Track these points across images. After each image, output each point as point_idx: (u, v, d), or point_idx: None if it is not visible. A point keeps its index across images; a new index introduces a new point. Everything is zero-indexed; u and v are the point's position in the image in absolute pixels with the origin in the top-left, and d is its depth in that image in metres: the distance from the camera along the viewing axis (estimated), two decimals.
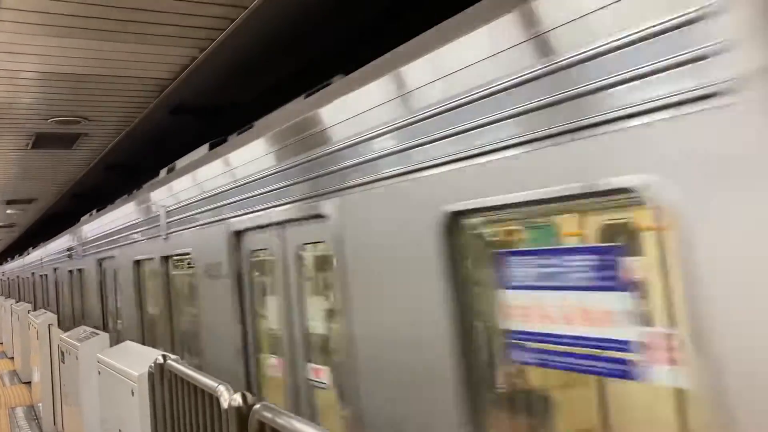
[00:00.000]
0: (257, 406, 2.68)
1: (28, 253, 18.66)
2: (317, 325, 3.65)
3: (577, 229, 2.13)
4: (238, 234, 4.32)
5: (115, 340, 6.99)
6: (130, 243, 6.94)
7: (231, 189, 4.36)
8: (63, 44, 4.78)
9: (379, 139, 2.80)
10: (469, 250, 2.45)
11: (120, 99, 6.37)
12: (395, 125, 2.69)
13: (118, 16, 4.36)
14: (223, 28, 4.65)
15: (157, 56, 5.21)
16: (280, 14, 4.49)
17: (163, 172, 6.40)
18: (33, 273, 17.09)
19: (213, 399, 3.08)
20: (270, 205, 3.82)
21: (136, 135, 7.92)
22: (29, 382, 11.95)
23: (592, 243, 2.05)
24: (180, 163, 5.91)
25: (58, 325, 9.65)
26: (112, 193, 9.77)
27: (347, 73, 3.29)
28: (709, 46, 1.49)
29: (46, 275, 14.42)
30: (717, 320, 1.49)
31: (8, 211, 15.38)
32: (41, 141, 7.78)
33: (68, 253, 11.10)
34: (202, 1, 4.19)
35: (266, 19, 4.51)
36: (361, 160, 2.92)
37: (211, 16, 4.44)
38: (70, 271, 11.05)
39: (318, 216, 3.30)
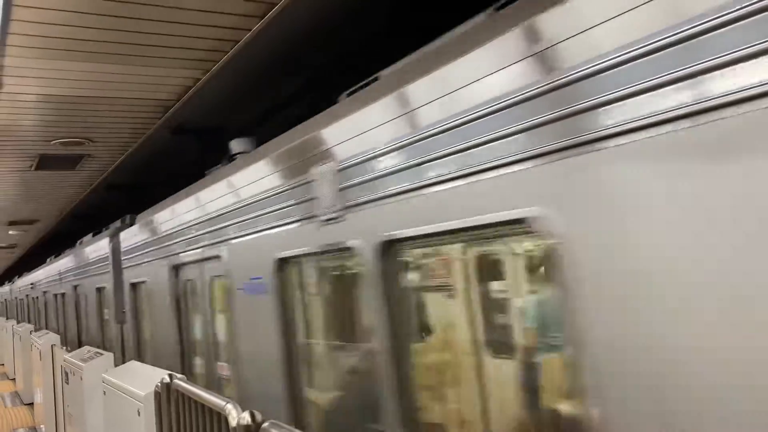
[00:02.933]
0: (266, 424, 2.70)
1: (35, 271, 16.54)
2: (221, 334, 4.91)
3: None
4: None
5: None
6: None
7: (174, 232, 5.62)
8: (68, 67, 4.85)
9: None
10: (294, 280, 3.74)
11: (123, 120, 6.44)
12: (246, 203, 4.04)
13: (122, 40, 4.43)
14: (226, 51, 4.73)
15: (161, 78, 5.29)
16: (282, 36, 4.57)
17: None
18: (45, 292, 14.64)
19: (221, 417, 3.10)
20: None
21: (138, 156, 7.99)
22: (31, 404, 11.90)
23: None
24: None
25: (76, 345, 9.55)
26: (113, 213, 9.81)
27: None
28: None
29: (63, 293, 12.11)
30: None
31: (10, 232, 15.41)
32: (45, 162, 7.84)
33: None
34: (206, 24, 4.27)
35: (269, 40, 4.58)
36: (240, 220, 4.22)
37: (214, 39, 4.52)
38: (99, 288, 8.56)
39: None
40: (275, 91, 5.83)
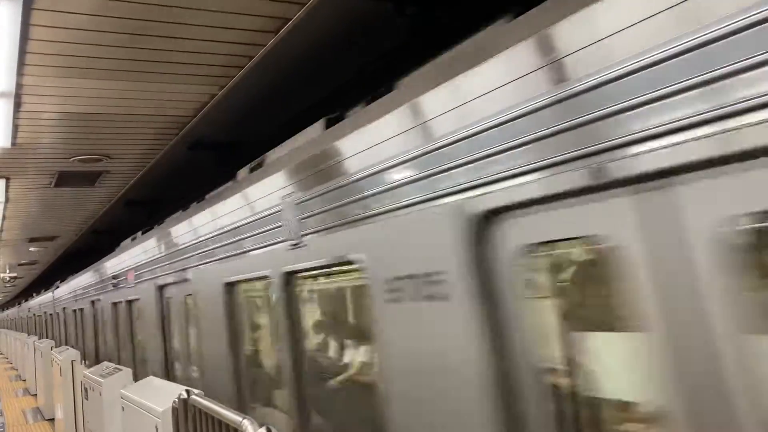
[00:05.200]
0: None
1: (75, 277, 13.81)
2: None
3: None
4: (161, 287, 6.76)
5: None
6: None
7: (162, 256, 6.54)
8: (85, 85, 4.91)
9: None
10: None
11: (141, 137, 6.50)
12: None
13: (138, 57, 4.48)
14: (241, 66, 4.76)
15: (177, 94, 5.34)
16: (296, 51, 4.59)
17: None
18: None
19: None
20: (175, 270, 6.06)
21: (156, 171, 8.05)
22: (52, 419, 11.97)
23: None
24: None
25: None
26: (131, 228, 9.88)
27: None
28: None
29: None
30: None
31: (31, 249, 15.58)
32: (64, 179, 7.93)
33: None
34: (221, 40, 4.30)
35: (283, 56, 4.61)
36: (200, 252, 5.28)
37: (229, 55, 4.55)
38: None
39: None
40: (291, 106, 5.85)
